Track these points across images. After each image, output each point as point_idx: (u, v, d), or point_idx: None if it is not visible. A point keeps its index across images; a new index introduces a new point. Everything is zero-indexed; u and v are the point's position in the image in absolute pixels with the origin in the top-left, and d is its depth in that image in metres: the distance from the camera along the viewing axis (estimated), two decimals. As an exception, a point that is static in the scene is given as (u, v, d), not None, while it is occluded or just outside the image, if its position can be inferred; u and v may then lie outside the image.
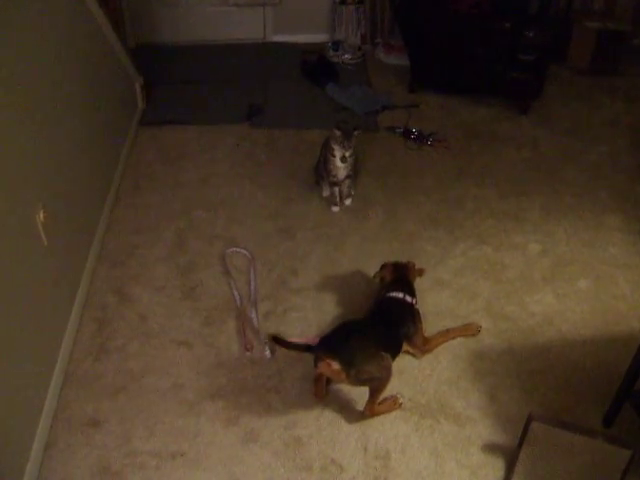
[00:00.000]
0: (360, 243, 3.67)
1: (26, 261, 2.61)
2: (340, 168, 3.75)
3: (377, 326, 2.84)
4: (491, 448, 2.64)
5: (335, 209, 3.90)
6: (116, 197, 3.97)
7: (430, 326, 3.14)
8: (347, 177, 3.82)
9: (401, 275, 3.13)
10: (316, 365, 2.64)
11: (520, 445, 2.46)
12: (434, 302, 3.30)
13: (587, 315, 3.26)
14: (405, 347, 2.92)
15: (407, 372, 2.93)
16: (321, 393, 2.80)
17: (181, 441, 2.64)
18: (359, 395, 2.78)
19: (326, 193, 3.97)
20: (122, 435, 2.65)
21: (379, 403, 2.71)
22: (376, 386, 2.64)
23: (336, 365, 2.56)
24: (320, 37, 6.07)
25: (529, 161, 4.42)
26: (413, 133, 4.63)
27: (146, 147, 4.51)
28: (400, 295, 2.99)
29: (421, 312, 3.04)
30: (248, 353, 2.99)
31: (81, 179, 3.42)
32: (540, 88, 5.12)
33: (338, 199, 3.90)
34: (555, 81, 5.43)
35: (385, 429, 2.69)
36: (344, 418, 2.73)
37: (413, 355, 2.98)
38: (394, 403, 2.77)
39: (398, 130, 4.68)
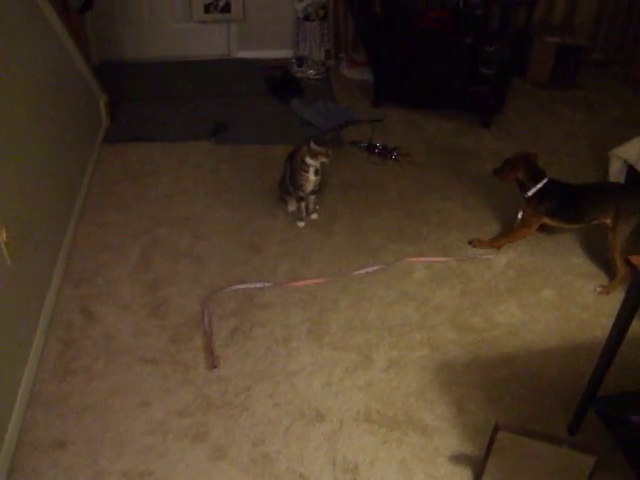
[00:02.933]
0: (326, 257, 3.69)
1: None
2: (312, 182, 3.77)
3: None
4: (459, 459, 2.65)
5: (301, 224, 3.91)
6: (81, 215, 3.94)
7: (396, 338, 3.16)
8: (313, 192, 3.84)
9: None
10: None
11: (487, 455, 2.47)
12: (400, 315, 3.32)
13: (551, 324, 3.31)
14: None
15: (374, 385, 2.94)
16: None
17: (149, 460, 2.61)
18: (327, 408, 2.79)
19: (292, 208, 3.98)
20: (89, 456, 2.62)
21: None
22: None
23: None
24: (284, 53, 6.12)
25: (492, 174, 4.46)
26: (377, 147, 4.66)
27: (111, 164, 4.49)
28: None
29: (388, 324, 3.06)
30: (215, 369, 2.98)
31: (45, 198, 3.39)
32: (502, 102, 5.19)
33: (304, 214, 3.91)
34: (516, 95, 5.52)
35: (353, 442, 2.69)
36: (312, 433, 2.73)
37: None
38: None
39: (362, 145, 4.72)
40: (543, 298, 3.47)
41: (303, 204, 3.88)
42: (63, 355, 3.04)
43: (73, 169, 4.02)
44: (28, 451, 2.63)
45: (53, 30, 3.84)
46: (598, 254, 3.76)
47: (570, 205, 3.57)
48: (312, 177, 3.74)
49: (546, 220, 3.63)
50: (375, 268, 3.60)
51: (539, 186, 3.56)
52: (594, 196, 3.57)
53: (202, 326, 3.21)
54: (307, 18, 5.88)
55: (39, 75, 3.52)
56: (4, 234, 2.70)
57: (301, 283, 3.49)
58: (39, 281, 3.19)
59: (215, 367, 2.99)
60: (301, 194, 3.82)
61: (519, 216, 3.67)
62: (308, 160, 3.69)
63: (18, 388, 2.76)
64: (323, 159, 3.68)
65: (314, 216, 3.97)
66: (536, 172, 3.59)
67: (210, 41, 6.08)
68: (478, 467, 2.56)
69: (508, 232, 3.79)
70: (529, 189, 3.59)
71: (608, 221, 3.43)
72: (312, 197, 3.88)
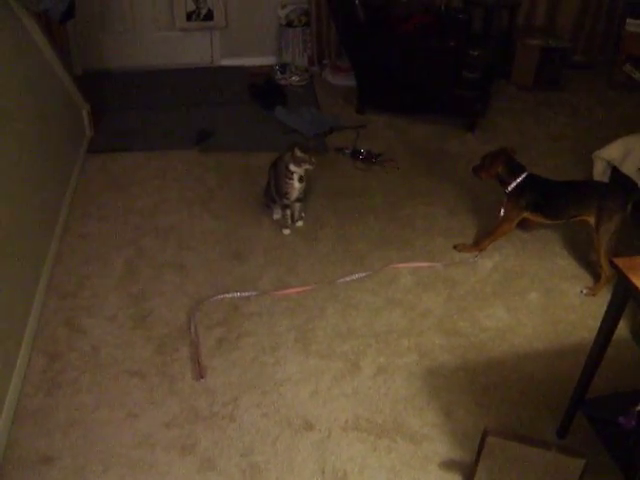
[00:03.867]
0: (312, 265, 3.68)
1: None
2: (297, 189, 3.76)
3: None
4: (448, 465, 2.64)
5: (286, 232, 3.90)
6: (65, 227, 3.91)
7: (384, 345, 3.16)
8: (297, 200, 3.83)
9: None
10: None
11: (477, 460, 2.46)
12: (386, 321, 3.31)
13: (538, 327, 3.31)
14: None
15: (362, 392, 2.93)
16: None
17: (137, 473, 2.59)
18: (315, 417, 2.78)
19: (277, 216, 3.97)
20: (76, 471, 2.59)
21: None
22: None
23: None
24: (267, 60, 6.12)
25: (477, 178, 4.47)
26: (362, 153, 4.66)
27: (95, 175, 4.47)
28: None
29: (375, 331, 3.05)
30: (202, 380, 2.96)
31: (28, 209, 3.37)
32: (486, 105, 5.21)
33: (289, 221, 3.90)
34: (500, 98, 5.54)
35: (342, 450, 2.68)
36: (300, 442, 2.72)
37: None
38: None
39: (347, 151, 4.72)
40: (530, 301, 3.47)
41: (288, 212, 3.87)
42: (49, 369, 3.01)
43: (56, 180, 4.00)
44: (14, 467, 2.60)
45: (33, 40, 3.81)
46: (583, 256, 3.77)
47: (551, 200, 3.58)
48: (296, 184, 3.73)
49: (527, 215, 3.64)
50: (361, 275, 3.59)
51: (519, 180, 3.57)
52: (575, 192, 3.57)
53: (188, 336, 3.19)
54: (290, 25, 5.88)
55: (20, 86, 3.50)
56: (-14, 248, 2.68)
57: (288, 291, 3.48)
58: (23, 294, 3.16)
59: (202, 377, 2.97)
60: (286, 202, 3.81)
61: (501, 213, 3.68)
62: (292, 167, 3.68)
63: (3, 403, 2.73)
64: (307, 166, 3.67)
65: (299, 223, 3.96)
66: (515, 167, 3.61)
67: (193, 49, 6.07)
68: (468, 473, 2.56)
69: (490, 231, 3.79)
70: (509, 184, 3.60)
71: (591, 220, 3.44)
72: (297, 205, 3.87)
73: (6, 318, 2.89)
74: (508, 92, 5.70)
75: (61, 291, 3.47)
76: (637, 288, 2.13)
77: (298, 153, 3.63)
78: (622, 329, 3.26)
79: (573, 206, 3.51)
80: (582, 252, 3.80)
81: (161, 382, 2.96)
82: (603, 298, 3.42)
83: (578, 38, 6.13)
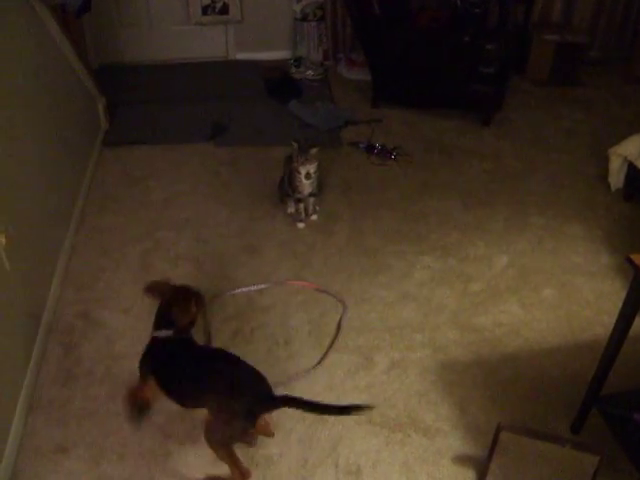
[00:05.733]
0: (326, 259, 3.68)
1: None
2: (306, 185, 3.77)
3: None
4: (462, 460, 2.64)
5: (301, 225, 3.90)
6: (80, 219, 3.94)
7: (397, 339, 3.16)
8: (311, 195, 3.84)
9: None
10: (253, 424, 2.34)
11: (490, 455, 2.47)
12: (400, 315, 3.31)
13: (553, 323, 3.30)
14: None
15: (376, 386, 2.93)
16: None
17: (151, 464, 2.61)
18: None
19: (291, 210, 3.97)
20: (91, 460, 2.62)
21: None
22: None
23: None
24: (282, 54, 6.12)
25: (492, 172, 4.47)
26: (376, 148, 4.66)
27: (110, 168, 4.49)
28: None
29: (389, 325, 3.06)
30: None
31: (44, 202, 3.39)
32: (501, 100, 5.19)
33: (303, 215, 3.91)
34: (515, 93, 5.51)
35: (355, 444, 2.69)
36: (314, 435, 2.72)
37: None
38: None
39: (361, 145, 4.71)
40: (544, 297, 3.46)
41: (302, 206, 3.87)
42: (64, 360, 3.04)
43: (72, 173, 4.02)
44: (30, 456, 2.63)
45: (50, 34, 3.83)
46: (599, 253, 3.75)
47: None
48: (304, 181, 3.74)
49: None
50: (260, 287, 3.48)
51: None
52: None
53: (202, 327, 3.20)
54: (305, 19, 5.87)
55: (37, 79, 3.52)
56: (3, 239, 2.69)
57: (299, 283, 3.49)
58: (39, 286, 3.19)
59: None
60: (298, 195, 3.82)
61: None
62: (296, 165, 3.71)
63: (19, 393, 2.75)
64: (307, 165, 3.68)
65: (314, 217, 3.96)
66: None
67: (208, 43, 6.07)
68: (481, 468, 2.56)
69: None
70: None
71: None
72: (311, 199, 3.87)
73: (22, 309, 2.91)
74: (523, 87, 5.67)
75: (77, 283, 3.49)
76: (654, 284, 2.13)
77: (294, 144, 3.69)
78: (638, 326, 3.24)
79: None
80: (597, 249, 3.78)
81: (176, 374, 2.97)
82: (618, 295, 3.41)
83: (594, 33, 6.08)
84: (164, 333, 2.49)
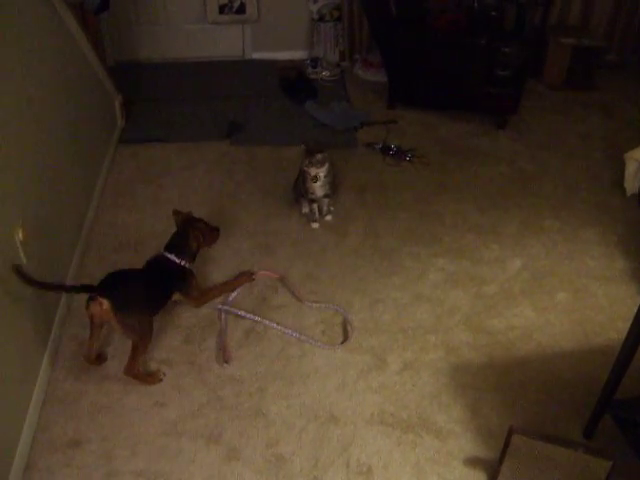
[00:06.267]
0: (340, 259, 3.68)
1: (4, 280, 2.59)
2: (316, 187, 3.77)
3: (149, 280, 3.05)
4: (473, 462, 2.64)
5: (315, 225, 3.91)
6: (96, 215, 3.95)
7: (410, 341, 3.16)
8: (325, 196, 3.84)
9: (183, 232, 3.23)
10: (88, 306, 2.79)
11: (502, 458, 2.46)
12: (414, 316, 3.31)
13: (566, 327, 3.29)
14: (179, 298, 3.19)
15: (388, 387, 2.94)
16: (92, 354, 2.97)
17: (163, 460, 2.62)
18: (341, 410, 2.79)
19: (305, 210, 3.98)
20: (103, 455, 2.64)
21: (145, 374, 2.94)
22: (137, 341, 2.84)
23: (106, 305, 2.73)
24: (299, 54, 6.11)
25: (507, 176, 4.46)
26: (392, 149, 4.65)
27: (126, 165, 4.51)
28: (172, 257, 3.14)
29: (402, 326, 3.04)
30: (226, 365, 3.00)
31: (60, 197, 3.41)
32: (517, 103, 5.16)
33: (317, 215, 3.91)
34: (532, 96, 5.50)
35: (367, 445, 2.69)
36: (326, 434, 2.73)
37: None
38: (155, 377, 2.94)
39: (377, 146, 4.71)
40: (558, 301, 3.45)
41: (315, 206, 3.87)
42: (78, 354, 3.05)
43: (88, 169, 4.04)
44: (43, 449, 2.65)
45: (69, 31, 3.86)
46: (614, 257, 3.74)
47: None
48: (313, 183, 3.75)
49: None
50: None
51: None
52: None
53: (216, 327, 3.21)
54: (322, 19, 5.88)
55: (54, 75, 3.54)
56: (20, 233, 2.71)
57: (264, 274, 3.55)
58: (54, 280, 3.20)
59: (226, 362, 3.00)
60: (311, 196, 3.83)
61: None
62: (304, 167, 3.72)
63: (33, 387, 2.77)
64: (313, 168, 3.70)
65: (328, 218, 3.96)
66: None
67: (225, 42, 6.08)
68: (492, 471, 2.56)
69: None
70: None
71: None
72: (325, 200, 3.88)
73: (37, 303, 2.93)
74: (539, 90, 5.65)
75: (91, 278, 3.45)
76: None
77: (302, 147, 3.73)
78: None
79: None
80: (612, 253, 3.77)
81: (189, 371, 2.99)
82: (633, 300, 3.40)
83: (612, 37, 6.06)
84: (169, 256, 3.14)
